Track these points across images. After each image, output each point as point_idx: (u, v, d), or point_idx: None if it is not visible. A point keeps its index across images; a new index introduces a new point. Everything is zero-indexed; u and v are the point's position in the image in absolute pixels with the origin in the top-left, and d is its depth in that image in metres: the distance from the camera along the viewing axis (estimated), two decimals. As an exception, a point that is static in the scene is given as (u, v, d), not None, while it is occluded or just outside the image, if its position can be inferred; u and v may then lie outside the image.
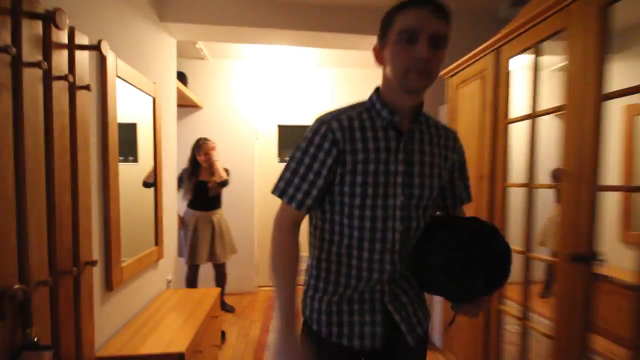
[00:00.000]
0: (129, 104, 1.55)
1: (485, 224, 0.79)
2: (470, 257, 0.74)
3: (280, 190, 0.79)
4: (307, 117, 3.34)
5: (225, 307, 2.78)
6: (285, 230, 0.79)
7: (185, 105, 2.98)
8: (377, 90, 0.81)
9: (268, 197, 1.81)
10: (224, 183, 2.51)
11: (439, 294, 0.82)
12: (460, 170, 0.91)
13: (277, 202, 0.80)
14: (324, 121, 0.77)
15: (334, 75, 3.37)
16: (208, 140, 2.52)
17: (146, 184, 1.82)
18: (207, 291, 1.99)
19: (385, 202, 0.77)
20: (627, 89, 0.99)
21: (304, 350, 0.76)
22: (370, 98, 0.82)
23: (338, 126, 0.76)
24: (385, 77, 0.79)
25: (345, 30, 2.15)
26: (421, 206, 0.81)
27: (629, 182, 2.33)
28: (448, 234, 0.78)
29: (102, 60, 1.29)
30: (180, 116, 2.61)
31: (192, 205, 2.56)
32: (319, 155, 0.76)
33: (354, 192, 0.76)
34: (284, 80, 3.32)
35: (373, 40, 0.93)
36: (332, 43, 2.34)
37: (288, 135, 3.50)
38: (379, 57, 0.79)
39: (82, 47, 1.11)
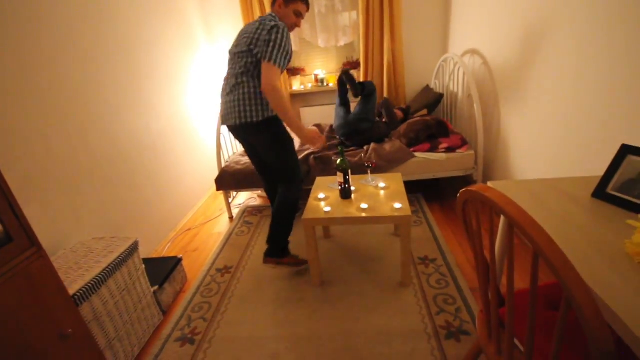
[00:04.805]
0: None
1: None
2: None
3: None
4: None
5: None
6: (280, 84, 1.58)
7: None
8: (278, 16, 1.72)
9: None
10: None
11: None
12: None
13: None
14: (284, 26, 1.60)
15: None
16: None
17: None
18: None
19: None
20: None
21: (310, 129, 1.70)
22: (279, 22, 1.62)
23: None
24: (282, 17, 1.71)
25: None
26: None
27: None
28: None
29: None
30: None
31: None
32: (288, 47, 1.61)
33: None
34: None
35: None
36: None
37: None
38: (281, 5, 1.70)
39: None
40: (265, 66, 1.55)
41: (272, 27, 1.57)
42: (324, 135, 1.73)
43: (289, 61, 1.69)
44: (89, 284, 1.22)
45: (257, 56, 1.60)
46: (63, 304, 1.08)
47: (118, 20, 2.04)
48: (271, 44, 1.55)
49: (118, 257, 1.37)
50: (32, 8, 1.48)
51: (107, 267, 1.31)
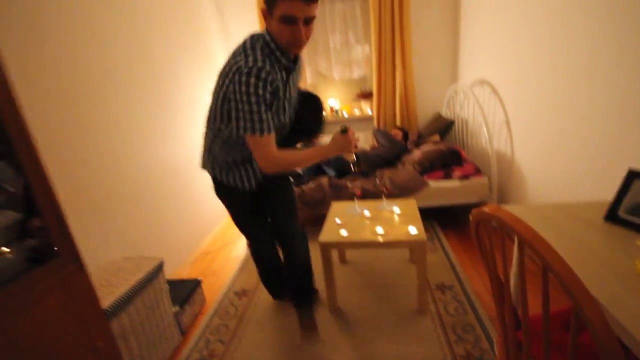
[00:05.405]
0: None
1: (308, 93, 1.51)
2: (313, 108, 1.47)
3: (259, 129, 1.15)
4: None
5: None
6: (274, 152, 1.21)
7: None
8: (272, 39, 1.16)
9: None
10: None
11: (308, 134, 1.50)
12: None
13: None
14: (269, 72, 1.12)
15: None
16: None
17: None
18: None
19: (279, 119, 1.27)
20: None
21: (335, 140, 1.31)
22: (269, 45, 1.16)
23: (274, 76, 1.15)
24: (275, 35, 1.14)
25: None
26: (292, 117, 1.41)
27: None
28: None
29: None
30: None
31: None
32: (269, 98, 1.15)
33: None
34: None
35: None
36: None
37: None
38: (267, 19, 1.14)
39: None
40: (248, 141, 1.18)
41: (234, 74, 1.11)
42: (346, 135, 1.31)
43: (284, 110, 1.27)
44: (119, 301, 1.29)
45: (217, 113, 1.24)
46: (96, 318, 1.15)
47: (151, 54, 2.25)
48: (235, 106, 1.12)
49: (146, 276, 1.44)
50: (73, 42, 1.67)
51: (135, 285, 1.38)
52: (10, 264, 0.96)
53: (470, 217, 0.83)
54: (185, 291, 1.81)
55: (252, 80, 1.08)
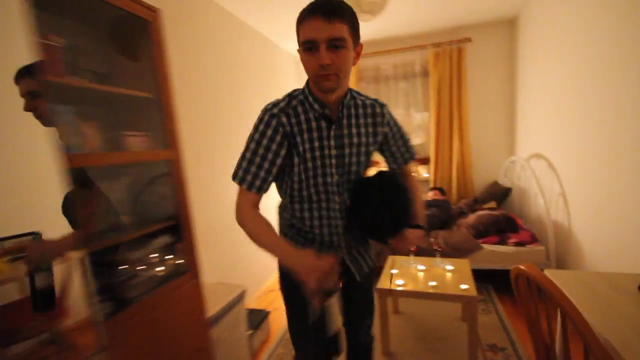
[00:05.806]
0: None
1: (382, 173, 1.07)
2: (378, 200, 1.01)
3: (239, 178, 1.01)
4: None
5: None
6: (248, 211, 1.02)
7: None
8: (307, 83, 0.99)
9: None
10: None
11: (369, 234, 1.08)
12: (395, 138, 1.14)
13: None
14: (274, 114, 0.97)
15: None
16: None
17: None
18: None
19: (324, 180, 1.01)
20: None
21: (303, 252, 0.93)
22: (303, 91, 1.00)
23: (287, 121, 0.97)
24: (306, 73, 0.93)
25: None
26: (353, 180, 1.05)
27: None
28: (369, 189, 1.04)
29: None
30: None
31: None
32: (271, 147, 0.97)
33: (298, 172, 1.01)
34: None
35: None
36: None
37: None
38: (301, 59, 0.93)
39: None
40: None
41: None
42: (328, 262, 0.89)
43: (323, 170, 1.00)
44: (216, 315, 1.63)
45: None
46: (202, 325, 1.49)
47: (246, 115, 2.85)
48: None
49: (234, 299, 1.79)
50: (205, 112, 2.27)
51: (227, 305, 1.72)
52: (159, 274, 1.37)
53: (510, 272, 1.05)
54: (257, 319, 2.11)
55: (256, 122, 0.99)
